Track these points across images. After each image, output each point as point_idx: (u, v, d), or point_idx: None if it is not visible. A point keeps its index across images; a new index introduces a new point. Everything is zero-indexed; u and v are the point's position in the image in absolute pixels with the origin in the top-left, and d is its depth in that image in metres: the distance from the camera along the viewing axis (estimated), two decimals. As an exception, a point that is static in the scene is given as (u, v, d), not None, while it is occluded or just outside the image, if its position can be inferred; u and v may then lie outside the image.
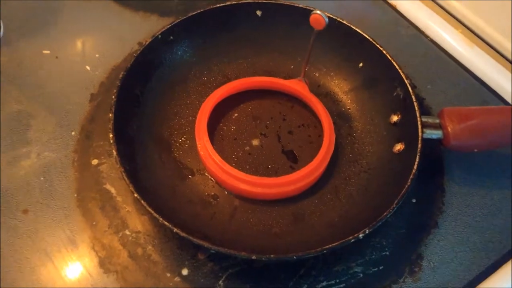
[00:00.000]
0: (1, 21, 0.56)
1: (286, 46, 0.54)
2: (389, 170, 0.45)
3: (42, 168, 0.46)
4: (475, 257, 0.43)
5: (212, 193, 0.45)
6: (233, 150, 0.48)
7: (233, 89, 0.50)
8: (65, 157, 0.47)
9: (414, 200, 0.46)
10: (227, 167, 0.43)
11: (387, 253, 0.43)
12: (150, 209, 0.36)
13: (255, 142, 0.49)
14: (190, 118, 0.50)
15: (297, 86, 0.50)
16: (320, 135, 0.49)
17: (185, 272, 0.41)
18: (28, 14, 0.58)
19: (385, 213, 0.38)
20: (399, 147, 0.45)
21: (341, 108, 0.51)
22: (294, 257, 0.36)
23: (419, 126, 0.43)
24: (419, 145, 0.42)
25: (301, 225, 0.43)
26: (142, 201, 0.36)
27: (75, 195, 0.45)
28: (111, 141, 0.40)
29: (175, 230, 0.36)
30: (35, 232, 0.43)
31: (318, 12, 0.41)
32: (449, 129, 0.43)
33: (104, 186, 0.46)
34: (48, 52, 0.55)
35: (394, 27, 0.60)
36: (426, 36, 0.59)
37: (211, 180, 0.46)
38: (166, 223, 0.36)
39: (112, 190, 0.45)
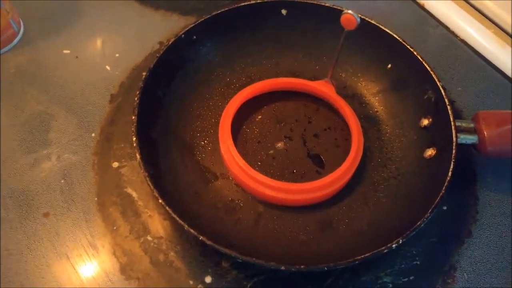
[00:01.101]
0: (21, 20, 0.56)
1: (311, 46, 0.52)
2: (420, 176, 0.44)
3: (63, 171, 0.46)
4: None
5: (236, 198, 0.44)
6: (257, 154, 0.47)
7: (257, 90, 0.48)
8: (85, 160, 0.46)
9: (445, 208, 0.44)
10: (251, 171, 0.42)
11: (418, 262, 0.42)
12: (175, 216, 0.35)
13: (280, 145, 0.47)
14: (213, 120, 0.48)
15: (323, 88, 0.48)
16: (347, 139, 0.47)
17: (208, 280, 0.40)
18: (48, 14, 0.58)
19: (419, 222, 0.37)
20: (430, 152, 0.44)
21: (368, 111, 0.50)
22: (325, 268, 0.34)
23: (453, 131, 0.41)
24: (454, 151, 0.40)
25: (328, 233, 0.42)
26: (167, 208, 0.35)
27: (96, 198, 0.44)
28: (134, 144, 0.39)
29: (201, 238, 0.34)
30: (56, 236, 0.42)
31: (350, 12, 0.40)
32: (486, 133, 0.42)
33: (125, 189, 0.45)
34: (68, 51, 0.54)
35: (423, 27, 0.59)
36: (456, 36, 0.57)
37: (235, 184, 0.44)
38: (192, 230, 0.34)
39: (134, 194, 0.44)
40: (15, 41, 0.54)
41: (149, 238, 0.42)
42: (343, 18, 0.41)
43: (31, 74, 0.52)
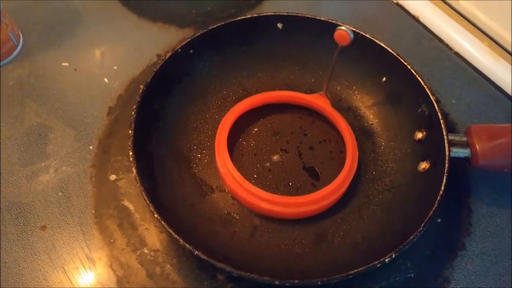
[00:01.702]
0: (20, 33, 0.56)
1: (307, 60, 0.53)
2: (414, 189, 0.44)
3: (60, 183, 0.46)
4: (505, 281, 0.42)
5: (232, 211, 0.44)
6: (253, 166, 0.47)
7: (253, 103, 0.49)
8: (82, 172, 0.47)
9: (439, 220, 0.45)
10: (247, 184, 0.43)
11: (412, 275, 0.42)
12: (170, 231, 0.35)
13: (276, 158, 0.48)
14: (210, 133, 0.49)
15: (318, 101, 0.49)
16: (342, 151, 0.48)
17: (204, 292, 0.40)
18: (47, 27, 0.58)
19: (411, 236, 0.37)
20: (424, 165, 0.44)
21: (363, 124, 0.50)
22: (319, 283, 0.35)
23: (446, 145, 0.41)
24: (446, 165, 0.40)
25: (323, 246, 0.42)
26: (163, 222, 0.36)
27: (93, 211, 0.44)
28: (131, 159, 0.39)
29: (196, 252, 0.35)
30: (53, 249, 0.42)
31: (343, 28, 0.40)
32: (478, 147, 0.42)
33: (122, 202, 0.45)
34: (67, 64, 0.55)
35: (417, 40, 0.59)
36: (450, 49, 0.58)
37: (231, 197, 0.45)
38: (187, 245, 0.35)
39: (130, 207, 0.45)
40: (14, 53, 0.55)
41: (145, 250, 0.42)
42: (336, 34, 0.41)
43: (30, 86, 0.53)
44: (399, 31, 0.60)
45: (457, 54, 0.58)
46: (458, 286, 0.41)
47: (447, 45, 0.58)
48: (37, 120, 0.50)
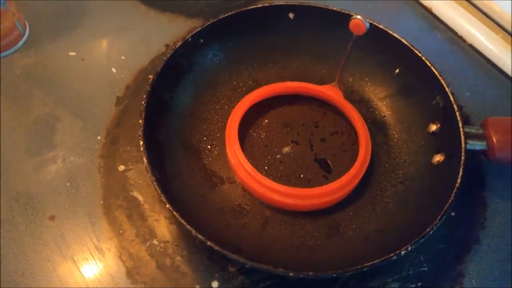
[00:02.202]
0: (27, 22, 0.55)
1: (318, 50, 0.52)
2: (428, 182, 0.43)
3: (68, 174, 0.45)
4: (520, 276, 0.41)
5: (243, 203, 0.43)
6: (264, 158, 0.46)
7: (264, 94, 0.48)
8: (91, 163, 0.46)
9: (453, 214, 0.44)
10: (258, 176, 0.42)
11: (426, 269, 0.41)
12: (183, 221, 0.35)
13: (287, 149, 0.47)
14: (219, 124, 0.48)
15: (331, 92, 0.48)
16: (354, 143, 0.47)
17: (215, 284, 0.40)
18: (54, 16, 0.57)
19: (428, 229, 0.36)
20: (438, 158, 0.43)
21: (376, 116, 0.49)
22: (333, 275, 0.34)
23: (462, 137, 0.41)
24: (463, 157, 0.40)
25: (336, 238, 0.42)
26: (175, 213, 0.35)
27: (102, 202, 0.44)
28: (142, 148, 0.39)
29: (208, 243, 0.34)
30: (62, 239, 0.42)
31: (359, 17, 0.39)
32: (495, 140, 0.41)
33: (131, 193, 0.44)
34: (74, 54, 0.54)
35: (430, 31, 0.58)
36: (464, 41, 0.57)
37: (242, 189, 0.44)
38: (199, 236, 0.34)
39: (140, 198, 0.44)
40: (21, 43, 0.54)
41: (155, 242, 0.42)
42: (352, 23, 0.40)
43: (37, 76, 0.52)
44: (412, 23, 0.59)
45: (471, 46, 0.57)
46: (473, 280, 0.41)
47: (460, 37, 0.57)
48: (44, 110, 0.49)
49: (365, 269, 0.34)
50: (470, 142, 0.41)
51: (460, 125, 0.41)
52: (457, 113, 0.42)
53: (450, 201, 0.37)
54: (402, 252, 0.35)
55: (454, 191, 0.38)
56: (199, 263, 0.41)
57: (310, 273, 0.34)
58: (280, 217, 0.43)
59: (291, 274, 0.34)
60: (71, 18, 0.57)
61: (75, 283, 0.40)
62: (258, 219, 0.42)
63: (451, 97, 0.43)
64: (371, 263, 0.35)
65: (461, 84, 0.53)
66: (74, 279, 0.40)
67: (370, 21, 0.46)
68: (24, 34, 0.54)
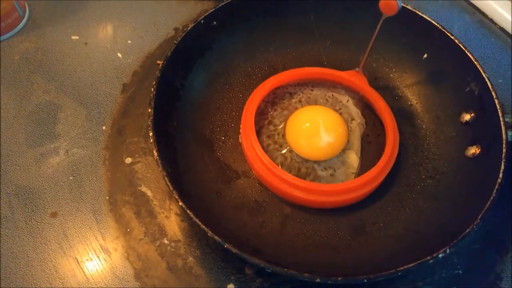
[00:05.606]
0: (27, 3, 0.52)
1: (339, 34, 0.48)
2: (462, 176, 0.40)
3: (71, 166, 0.42)
4: None
5: (260, 199, 0.40)
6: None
7: (281, 81, 0.45)
8: (95, 154, 0.43)
9: (489, 211, 0.41)
10: (278, 170, 0.38)
11: (460, 271, 0.38)
12: (197, 221, 0.32)
13: (306, 141, 0.43)
14: (233, 113, 0.45)
15: (354, 78, 0.44)
16: (380, 135, 0.44)
17: (231, 288, 0.37)
18: (56, -3, 0.54)
19: (468, 229, 0.33)
20: (473, 150, 0.40)
21: (402, 104, 0.46)
22: (365, 280, 0.31)
23: (503, 128, 0.37)
24: (504, 149, 0.36)
25: (362, 238, 0.38)
26: (189, 211, 0.32)
27: (107, 197, 0.41)
28: (151, 140, 0.35)
29: (226, 245, 0.31)
30: (64, 238, 0.39)
31: (391, -5, 0.36)
32: (538, 131, 0.38)
33: (139, 187, 0.41)
34: (77, 37, 0.51)
35: (459, 14, 0.54)
36: (495, 24, 0.53)
37: (258, 184, 0.41)
38: (216, 237, 0.31)
39: (148, 193, 0.41)
40: (20, 25, 0.51)
41: (165, 241, 0.39)
42: (382, 3, 0.37)
43: (37, 61, 0.49)
44: (439, 4, 0.55)
45: (502, 29, 0.53)
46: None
47: (491, 20, 0.54)
48: (45, 97, 0.46)
49: (399, 273, 0.31)
50: (510, 133, 0.38)
51: (500, 114, 0.38)
52: (496, 101, 0.38)
53: (492, 198, 0.34)
54: (440, 255, 0.32)
55: (496, 187, 0.35)
56: (214, 264, 0.38)
57: (339, 278, 0.31)
58: (301, 215, 0.39)
59: (318, 280, 0.30)
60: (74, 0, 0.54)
61: (78, 286, 0.37)
62: (277, 216, 0.39)
63: (488, 84, 0.39)
64: (405, 266, 0.32)
65: (492, 70, 0.50)
66: (77, 281, 0.37)
67: (399, 1, 0.43)
68: (23, 17, 0.51)
